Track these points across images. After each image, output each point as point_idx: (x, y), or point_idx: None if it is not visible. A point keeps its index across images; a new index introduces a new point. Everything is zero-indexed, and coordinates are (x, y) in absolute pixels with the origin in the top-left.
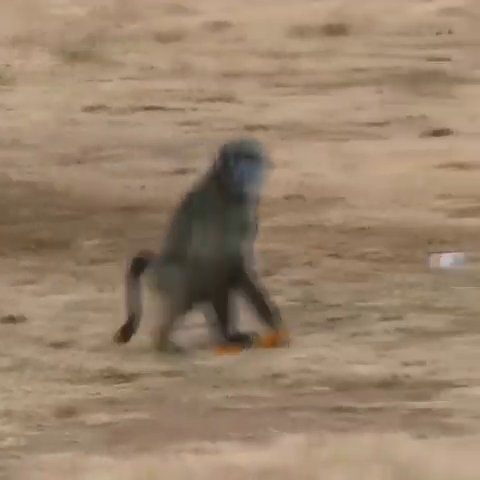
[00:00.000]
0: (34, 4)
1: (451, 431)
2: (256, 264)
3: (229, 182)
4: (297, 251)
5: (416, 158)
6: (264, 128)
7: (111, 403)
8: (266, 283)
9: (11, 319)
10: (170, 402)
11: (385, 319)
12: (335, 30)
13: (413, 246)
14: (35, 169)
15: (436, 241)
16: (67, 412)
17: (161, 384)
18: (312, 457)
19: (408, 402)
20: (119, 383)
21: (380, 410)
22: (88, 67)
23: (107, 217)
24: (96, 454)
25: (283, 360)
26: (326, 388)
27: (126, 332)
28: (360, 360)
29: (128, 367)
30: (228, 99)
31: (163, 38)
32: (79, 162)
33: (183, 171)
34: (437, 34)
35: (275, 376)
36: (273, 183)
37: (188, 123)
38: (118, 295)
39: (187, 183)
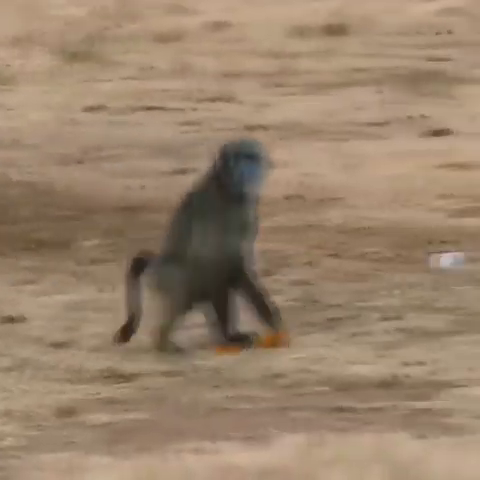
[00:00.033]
0: (34, 4)
1: (451, 431)
2: (256, 264)
3: (229, 182)
4: (297, 251)
5: (416, 158)
6: (264, 128)
7: (111, 403)
8: (266, 283)
9: (11, 319)
10: (170, 402)
11: (385, 319)
12: (335, 30)
13: (413, 246)
14: (35, 169)
15: (436, 241)
16: (67, 412)
17: (161, 384)
18: (312, 457)
19: (408, 402)
20: (119, 383)
21: (380, 410)
22: (88, 67)
23: (107, 217)
24: (96, 454)
25: (283, 360)
26: (326, 388)
27: (126, 332)
28: (360, 360)
29: (128, 367)
30: (228, 99)
31: (163, 38)
32: (79, 162)
33: (183, 171)
34: (437, 34)
35: (275, 376)
36: (273, 183)
37: (188, 123)
38: (118, 295)
39: (187, 183)
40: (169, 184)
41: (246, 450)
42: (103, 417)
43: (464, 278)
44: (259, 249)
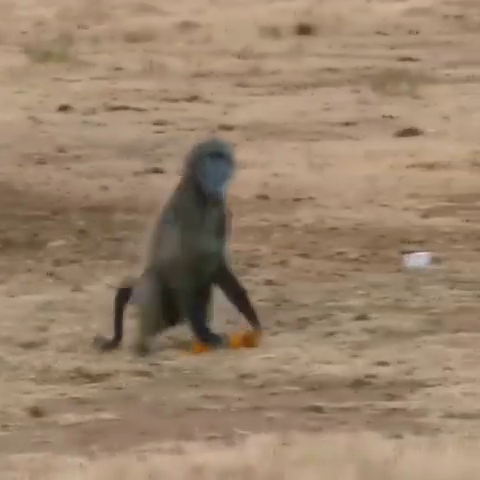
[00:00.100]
0: (2, 5)
1: (424, 431)
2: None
3: (204, 182)
4: (267, 251)
5: (386, 158)
6: (234, 128)
7: (81, 403)
8: None
9: None
10: (139, 402)
11: (356, 319)
12: (305, 30)
13: (384, 246)
14: (5, 169)
15: (407, 241)
16: (37, 412)
17: (130, 384)
18: (284, 457)
19: (380, 402)
20: (89, 383)
21: (352, 410)
22: (57, 67)
23: (75, 217)
24: (66, 454)
25: (254, 360)
26: (297, 388)
27: (108, 347)
28: (331, 360)
29: (97, 367)
30: (197, 99)
31: (132, 38)
32: (48, 162)
33: (153, 171)
34: (408, 34)
35: (246, 376)
36: (243, 183)
37: (157, 123)
38: (86, 295)
39: (157, 183)
40: (139, 184)
41: (216, 450)
42: (73, 417)
43: (435, 278)
44: (230, 249)
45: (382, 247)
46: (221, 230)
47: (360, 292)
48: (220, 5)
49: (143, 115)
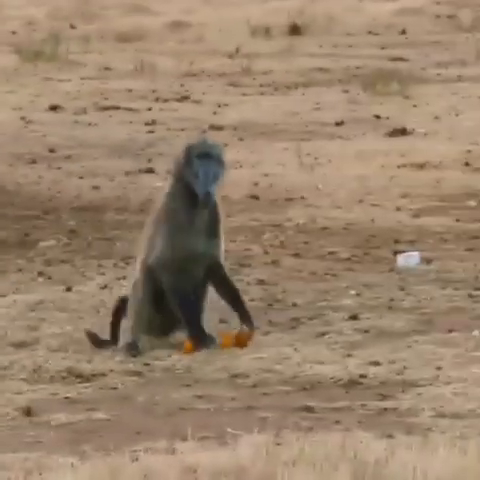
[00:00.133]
0: None
1: (416, 430)
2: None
3: (195, 182)
4: (259, 251)
5: (377, 158)
6: (224, 128)
7: (72, 403)
8: None
9: None
10: (132, 402)
11: (348, 319)
12: (296, 30)
13: (375, 246)
14: None
15: (399, 240)
16: (28, 412)
17: (122, 384)
18: (276, 457)
19: (372, 402)
20: (80, 383)
21: (345, 410)
22: (48, 67)
23: (66, 217)
24: (58, 454)
25: (246, 360)
26: (289, 388)
27: (102, 345)
28: (323, 360)
29: (89, 367)
30: (188, 99)
31: (123, 38)
32: (39, 162)
33: (144, 170)
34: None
35: (238, 376)
36: (234, 183)
37: (148, 123)
38: (78, 295)
39: (148, 182)
40: (130, 184)
41: (209, 450)
42: (65, 417)
43: (427, 277)
44: None
45: (373, 247)
46: (212, 231)
47: (352, 292)
48: (211, 5)
49: (134, 115)
